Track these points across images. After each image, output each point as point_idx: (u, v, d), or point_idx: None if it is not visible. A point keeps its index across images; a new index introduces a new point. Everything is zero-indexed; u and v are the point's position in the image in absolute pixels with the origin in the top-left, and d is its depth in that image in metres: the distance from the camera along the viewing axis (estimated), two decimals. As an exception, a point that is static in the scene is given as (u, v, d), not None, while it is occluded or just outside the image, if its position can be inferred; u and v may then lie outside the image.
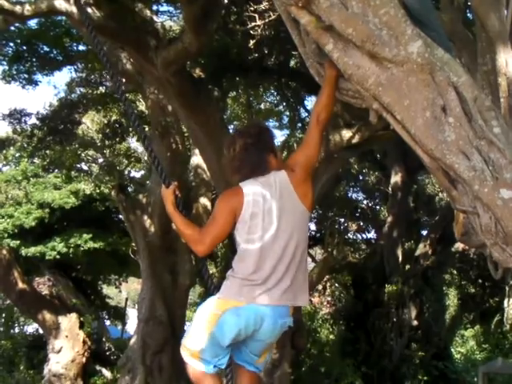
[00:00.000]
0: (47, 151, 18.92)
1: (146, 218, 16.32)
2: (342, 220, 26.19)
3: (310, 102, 19.08)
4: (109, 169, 21.13)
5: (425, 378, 21.83)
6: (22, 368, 22.79)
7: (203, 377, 4.31)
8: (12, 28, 14.27)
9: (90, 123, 21.07)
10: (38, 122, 18.18)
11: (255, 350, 4.45)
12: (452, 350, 25.98)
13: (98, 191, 21.61)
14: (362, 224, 27.01)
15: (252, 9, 13.04)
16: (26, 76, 15.90)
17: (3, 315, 27.53)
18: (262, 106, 21.19)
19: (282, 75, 16.00)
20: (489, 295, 25.57)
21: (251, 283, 4.22)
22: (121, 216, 19.73)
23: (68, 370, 19.19)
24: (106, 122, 19.20)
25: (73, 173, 21.10)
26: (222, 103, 16.47)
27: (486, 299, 25.80)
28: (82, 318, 20.59)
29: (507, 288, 24.16)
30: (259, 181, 4.35)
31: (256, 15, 13.00)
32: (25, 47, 15.14)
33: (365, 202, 27.75)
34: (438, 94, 3.58)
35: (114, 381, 19.62)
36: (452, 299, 28.67)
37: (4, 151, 22.73)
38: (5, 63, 15.57)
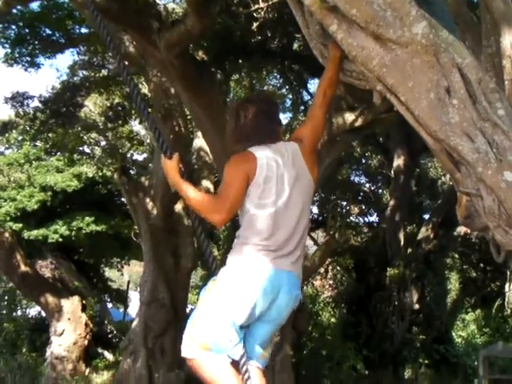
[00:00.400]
0: (50, 134, 18.90)
1: (148, 200, 16.34)
2: (344, 203, 26.17)
3: (313, 85, 19.04)
4: (111, 151, 21.09)
5: (426, 361, 21.95)
6: (24, 351, 22.85)
7: (221, 368, 3.91)
8: (14, 11, 14.25)
9: (92, 106, 21.04)
10: (40, 105, 18.15)
11: (263, 335, 4.22)
12: (453, 333, 26.05)
13: (100, 174, 21.61)
14: (364, 207, 26.99)
15: (255, -9, 13.02)
16: (28, 59, 15.84)
17: (6, 298, 27.60)
18: (265, 89, 21.14)
19: (285, 58, 15.97)
20: (490, 279, 25.58)
21: (265, 248, 4.01)
22: (123, 199, 19.76)
23: (70, 352, 19.25)
24: (108, 104, 19.17)
25: (75, 156, 21.07)
26: (225, 86, 16.43)
27: (487, 283, 25.82)
28: (84, 301, 20.64)
29: (509, 272, 24.22)
30: (271, 147, 4.24)
31: (259, -2, 12.98)
32: (27, 30, 15.09)
33: (367, 185, 27.75)
34: (442, 75, 3.57)
35: (115, 363, 19.67)
36: (453, 283, 28.73)
37: (6, 134, 22.70)
38: (7, 46, 15.51)
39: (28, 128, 18.91)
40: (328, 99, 4.44)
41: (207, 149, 15.68)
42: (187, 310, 17.70)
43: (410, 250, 21.94)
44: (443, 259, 24.78)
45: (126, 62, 14.98)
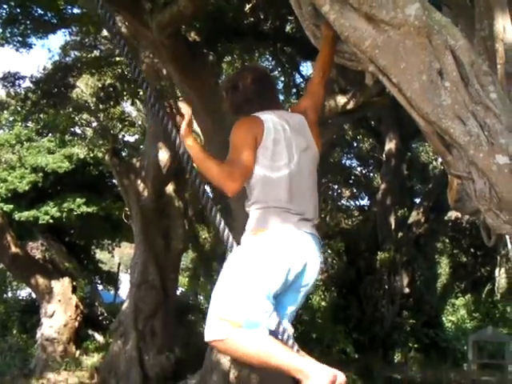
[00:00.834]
0: (41, 115, 18.81)
1: (139, 182, 16.34)
2: (336, 186, 26.25)
3: (306, 67, 19.01)
4: (103, 133, 21.06)
5: (415, 345, 22.05)
6: (14, 332, 22.83)
7: (259, 341, 3.57)
8: (6, -10, 14.17)
9: (84, 87, 20.99)
10: (31, 86, 18.05)
11: (292, 305, 3.95)
12: (443, 318, 26.21)
13: (91, 155, 21.58)
14: (355, 191, 27.10)
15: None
16: (19, 39, 15.74)
17: (-4, 280, 27.60)
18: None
19: (277, 40, 15.92)
20: (480, 264, 25.74)
21: (288, 211, 3.82)
22: (114, 180, 19.72)
23: (60, 334, 19.24)
24: (100, 85, 19.07)
25: (67, 137, 21.01)
26: (217, 68, 16.37)
27: (477, 268, 25.99)
28: (74, 283, 20.61)
29: (499, 257, 24.29)
30: (275, 113, 4.09)
31: (252, -21, 12.94)
32: (19, 10, 14.95)
33: (358, 168, 27.85)
34: (434, 57, 3.55)
35: (106, 345, 19.69)
36: (444, 268, 28.84)
37: (-3, 115, 22.67)
38: (-2, 26, 15.46)
39: (19, 108, 18.81)
40: (326, 77, 4.41)
41: (198, 130, 15.64)
42: (177, 292, 17.69)
43: (400, 234, 22.00)
44: (434, 243, 24.91)
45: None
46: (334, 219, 25.21)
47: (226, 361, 12.13)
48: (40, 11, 15.17)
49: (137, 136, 23.90)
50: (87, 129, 22.58)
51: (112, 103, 18.89)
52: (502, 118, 3.48)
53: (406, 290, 21.87)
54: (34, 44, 16.30)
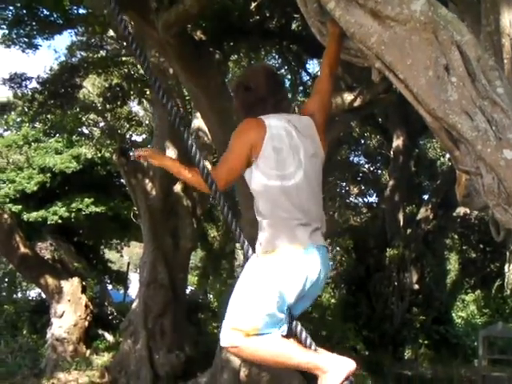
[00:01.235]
0: (48, 115, 18.87)
1: (147, 181, 16.33)
2: (344, 184, 26.24)
3: (312, 65, 18.99)
4: (110, 132, 21.10)
5: (425, 341, 22.04)
6: (24, 332, 22.86)
7: (273, 345, 3.64)
8: (12, -9, 14.19)
9: (90, 87, 21.02)
10: (38, 86, 18.11)
11: (300, 310, 3.94)
12: (453, 314, 26.16)
13: (99, 155, 21.63)
14: (363, 188, 27.08)
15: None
16: (26, 40, 15.77)
17: (6, 280, 27.64)
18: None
19: (283, 38, 15.92)
20: (490, 260, 25.66)
21: (299, 222, 3.78)
22: (122, 180, 19.75)
23: (70, 334, 19.24)
24: (106, 85, 19.13)
25: (74, 137, 21.09)
26: (224, 66, 16.36)
27: (486, 264, 25.91)
28: (84, 283, 20.61)
29: (508, 253, 24.21)
30: (284, 117, 4.03)
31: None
32: (25, 11, 14.99)
33: (366, 165, 27.80)
34: (441, 53, 3.54)
35: (116, 344, 19.70)
36: (453, 264, 28.82)
37: (5, 116, 22.71)
38: (5, 27, 15.43)
39: (26, 109, 18.85)
40: (333, 73, 4.38)
41: (206, 129, 15.65)
42: (186, 291, 17.69)
43: (409, 231, 21.97)
44: (443, 240, 24.85)
45: (124, 43, 14.96)
46: (343, 216, 25.21)
47: (236, 359, 12.10)
48: (46, 12, 15.21)
49: (144, 135, 23.93)
50: (94, 129, 22.62)
51: (119, 103, 18.95)
52: (510, 113, 3.47)
53: (416, 287, 21.84)
54: (40, 45, 16.34)
